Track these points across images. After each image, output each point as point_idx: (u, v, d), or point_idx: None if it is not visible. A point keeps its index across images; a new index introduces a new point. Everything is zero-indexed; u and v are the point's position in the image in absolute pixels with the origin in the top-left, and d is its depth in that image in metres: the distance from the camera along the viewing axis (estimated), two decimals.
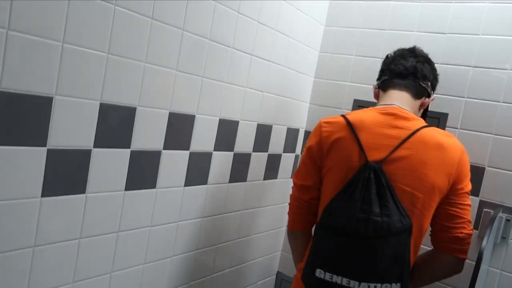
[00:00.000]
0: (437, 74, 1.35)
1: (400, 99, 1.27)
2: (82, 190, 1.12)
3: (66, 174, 1.08)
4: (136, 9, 1.14)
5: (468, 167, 1.22)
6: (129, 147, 1.22)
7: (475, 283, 1.14)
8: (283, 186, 1.98)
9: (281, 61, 1.77)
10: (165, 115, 1.31)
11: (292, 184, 1.36)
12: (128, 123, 1.20)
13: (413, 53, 1.33)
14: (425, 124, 1.21)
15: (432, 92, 1.34)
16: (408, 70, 1.29)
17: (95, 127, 1.11)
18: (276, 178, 1.92)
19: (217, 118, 1.51)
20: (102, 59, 1.09)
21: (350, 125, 1.21)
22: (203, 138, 1.47)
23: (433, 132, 1.19)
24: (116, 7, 1.09)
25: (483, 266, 1.28)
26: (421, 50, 1.36)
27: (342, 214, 1.12)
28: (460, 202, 1.17)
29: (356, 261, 1.11)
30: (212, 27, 1.39)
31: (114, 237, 1.24)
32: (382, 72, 1.36)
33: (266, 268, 2.05)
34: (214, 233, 1.64)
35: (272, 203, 1.94)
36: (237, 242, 1.78)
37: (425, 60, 1.33)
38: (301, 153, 2.06)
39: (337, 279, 1.12)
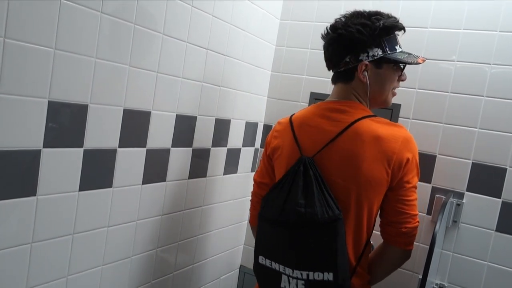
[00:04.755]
0: (378, 25, 1.18)
1: (337, 92, 1.26)
2: (33, 193, 1.07)
3: (15, 176, 1.03)
4: (83, 2, 1.10)
5: (416, 159, 1.20)
6: (82, 146, 1.17)
7: (429, 265, 1.19)
8: (243, 180, 1.98)
9: (237, 55, 1.76)
10: (119, 112, 1.27)
11: (252, 180, 1.38)
12: (80, 121, 1.16)
13: (330, 34, 1.23)
14: (367, 114, 1.20)
15: (376, 50, 1.19)
16: (329, 62, 1.26)
17: (44, 126, 1.06)
18: (236, 172, 1.92)
19: (174, 114, 1.48)
20: (49, 55, 1.04)
21: (291, 124, 1.27)
22: (160, 134, 1.44)
23: (371, 123, 1.17)
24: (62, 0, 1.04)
25: (436, 249, 1.33)
26: (340, 20, 1.23)
27: (272, 205, 1.16)
28: (407, 198, 1.19)
29: (287, 249, 1.14)
30: (165, 21, 1.36)
31: (69, 239, 1.20)
32: None
33: (229, 263, 2.05)
34: (175, 230, 1.61)
35: (232, 198, 1.94)
36: (199, 238, 1.76)
37: (340, 35, 1.20)
38: (260, 147, 2.06)
39: (275, 265, 1.17)
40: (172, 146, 1.50)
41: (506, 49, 1.57)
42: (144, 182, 1.41)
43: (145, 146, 1.39)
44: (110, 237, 1.33)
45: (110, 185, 1.29)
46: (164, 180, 1.50)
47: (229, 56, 1.71)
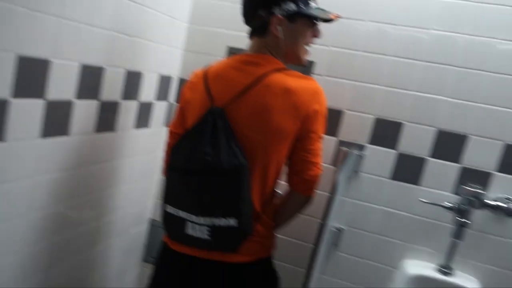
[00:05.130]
0: None
1: (252, 46, 1.29)
2: None
3: None
4: None
5: (323, 110, 1.26)
6: None
7: (329, 211, 1.27)
8: (156, 134, 1.94)
9: (152, 4, 1.66)
10: (10, 58, 1.15)
11: (165, 134, 1.37)
12: None
13: None
14: (279, 67, 1.23)
15: (289, 4, 1.21)
16: (245, 16, 1.29)
17: None
18: (147, 126, 1.87)
19: (77, 63, 1.38)
20: None
21: (205, 75, 1.28)
22: (61, 85, 1.33)
23: (282, 77, 1.20)
24: None
25: (338, 197, 1.43)
26: None
27: (181, 154, 1.18)
28: (311, 147, 1.24)
29: (192, 196, 1.18)
30: None
31: None
32: None
33: (138, 216, 2.03)
34: (80, 186, 1.55)
35: (144, 152, 1.90)
36: (106, 193, 1.72)
37: None
38: (175, 101, 2.02)
39: (180, 213, 1.20)
40: (76, 98, 1.41)
41: (410, 10, 1.65)
42: (43, 136, 1.32)
43: (43, 97, 1.28)
44: (5, 194, 1.24)
45: (1, 139, 1.19)
46: (67, 134, 1.42)
47: (143, 5, 1.61)
